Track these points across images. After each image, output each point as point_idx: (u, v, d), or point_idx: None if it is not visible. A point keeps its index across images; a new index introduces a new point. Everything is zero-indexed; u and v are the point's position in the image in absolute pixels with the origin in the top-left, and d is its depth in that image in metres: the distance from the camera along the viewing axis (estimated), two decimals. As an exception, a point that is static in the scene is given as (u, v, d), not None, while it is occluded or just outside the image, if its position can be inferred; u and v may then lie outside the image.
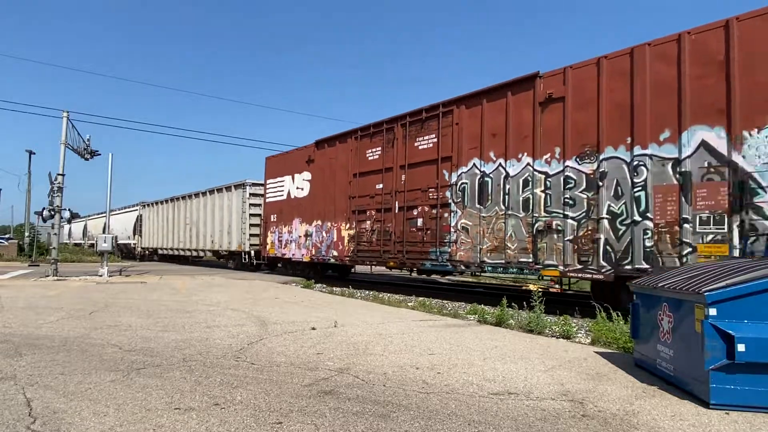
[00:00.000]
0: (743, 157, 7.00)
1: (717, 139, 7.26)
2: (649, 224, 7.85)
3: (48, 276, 15.53)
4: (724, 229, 7.07)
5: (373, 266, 14.54)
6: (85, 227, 44.53)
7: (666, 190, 7.73)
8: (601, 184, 8.47)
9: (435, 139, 11.80)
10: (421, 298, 11.19)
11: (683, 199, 7.52)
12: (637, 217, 7.99)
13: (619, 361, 5.01)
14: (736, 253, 6.93)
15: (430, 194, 11.77)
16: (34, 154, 35.13)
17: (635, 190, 8.04)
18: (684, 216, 7.47)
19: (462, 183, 10.99)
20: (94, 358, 4.85)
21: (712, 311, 3.55)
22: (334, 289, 13.36)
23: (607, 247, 8.30)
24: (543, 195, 9.32)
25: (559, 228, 9.01)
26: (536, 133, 9.53)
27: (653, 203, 7.83)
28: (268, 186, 18.66)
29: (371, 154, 13.75)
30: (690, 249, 7.40)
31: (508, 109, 10.12)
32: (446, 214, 11.29)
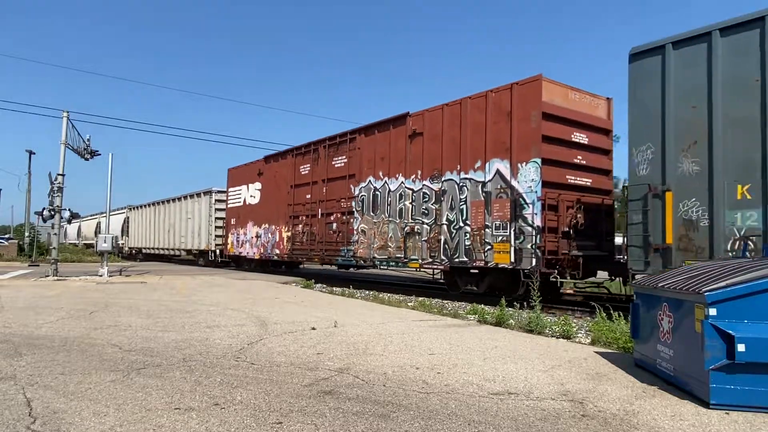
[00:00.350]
0: (518, 182, 10.06)
1: (505, 168, 10.37)
2: (468, 229, 11.02)
3: (48, 276, 15.53)
4: (507, 232, 10.19)
5: (313, 262, 17.49)
6: (79, 228, 46.03)
7: (477, 204, 10.91)
8: (442, 198, 11.71)
9: (345, 160, 14.98)
10: (421, 298, 11.19)
11: (486, 211, 10.67)
12: (461, 224, 11.18)
13: (619, 361, 5.01)
14: (512, 249, 10.08)
15: (342, 203, 14.97)
16: (34, 154, 35.13)
17: (461, 204, 11.21)
18: (486, 223, 10.63)
19: (362, 195, 14.19)
20: (94, 358, 4.85)
21: (712, 311, 3.55)
22: (334, 289, 13.37)
23: (446, 245, 11.53)
24: (410, 206, 12.61)
25: (419, 231, 12.26)
26: (407, 159, 12.84)
27: (470, 214, 11.02)
28: (229, 193, 22.07)
29: (303, 170, 16.89)
30: (489, 247, 10.52)
31: (391, 139, 13.39)
32: (351, 220, 14.49)
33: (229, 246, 22.02)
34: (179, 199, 27.40)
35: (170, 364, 4.62)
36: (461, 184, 11.23)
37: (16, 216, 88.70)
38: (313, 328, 6.72)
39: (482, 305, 9.16)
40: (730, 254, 6.63)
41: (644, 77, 7.83)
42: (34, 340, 5.70)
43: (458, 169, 11.34)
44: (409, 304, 9.96)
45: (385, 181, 13.40)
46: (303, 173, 16.85)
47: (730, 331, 3.46)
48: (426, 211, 12.14)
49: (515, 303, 7.95)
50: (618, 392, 3.97)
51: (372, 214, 13.73)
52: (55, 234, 17.04)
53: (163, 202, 29.52)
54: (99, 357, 4.88)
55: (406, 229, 12.57)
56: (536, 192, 9.66)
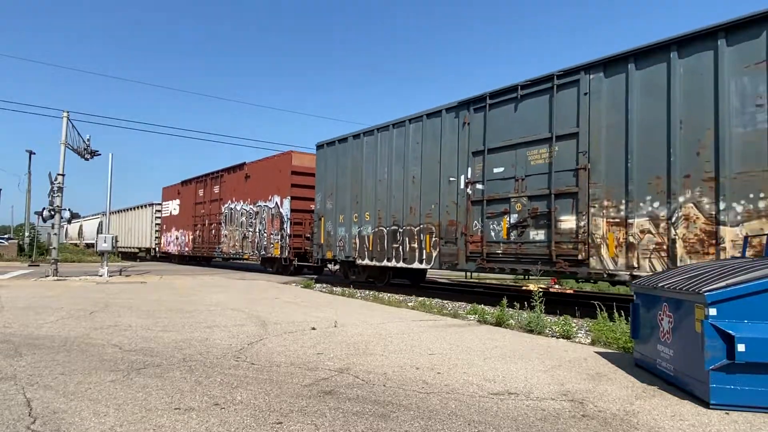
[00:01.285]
0: (283, 208, 18.69)
1: (279, 200, 19.16)
2: (266, 234, 19.46)
3: (48, 276, 15.52)
4: (278, 237, 18.78)
5: (203, 256, 26.52)
6: (81, 228, 49.25)
7: (269, 221, 19.48)
8: (257, 217, 20.27)
9: (218, 189, 23.77)
10: (421, 298, 11.18)
11: (271, 224, 19.22)
12: (264, 232, 19.68)
13: (619, 361, 5.01)
14: (280, 246, 18.36)
15: (216, 217, 23.62)
16: (34, 154, 35.20)
17: (263, 220, 19.76)
18: (272, 232, 19.10)
19: (225, 212, 22.99)
20: (94, 358, 4.85)
21: (712, 311, 3.55)
22: (334, 289, 13.37)
23: (259, 245, 20.12)
24: (245, 220, 21.19)
25: (248, 236, 20.83)
26: (244, 191, 21.55)
27: (267, 226, 19.46)
28: (162, 206, 30.68)
29: (200, 193, 25.61)
30: (272, 245, 19.06)
31: (238, 178, 22.09)
32: (221, 228, 23.23)
33: (162, 245, 30.35)
34: (135, 208, 35.57)
35: (170, 364, 4.62)
36: (264, 208, 19.84)
37: (16, 216, 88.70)
38: (313, 328, 6.72)
39: (482, 305, 9.16)
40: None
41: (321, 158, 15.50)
42: (34, 340, 5.70)
43: (263, 199, 19.97)
44: (409, 304, 9.95)
45: (235, 204, 22.18)
46: (200, 195, 25.57)
47: (730, 331, 3.46)
48: (251, 224, 20.74)
49: (515, 303, 7.94)
50: (618, 392, 3.97)
51: (230, 225, 22.51)
52: (55, 234, 17.03)
53: (126, 210, 37.58)
54: (99, 357, 4.88)
55: (243, 234, 21.29)
56: (288, 214, 18.35)
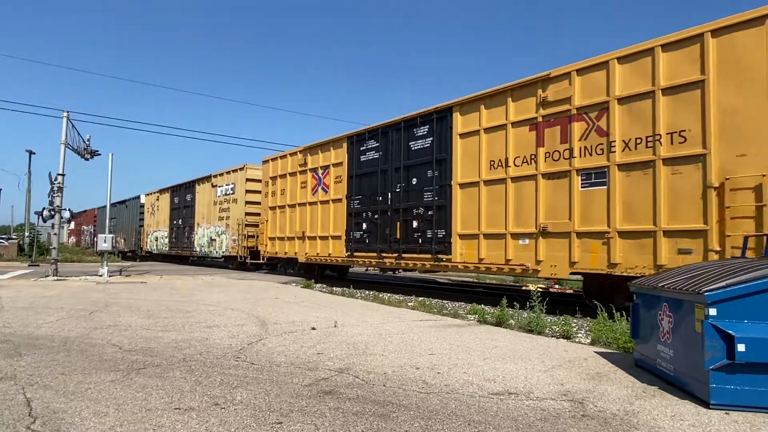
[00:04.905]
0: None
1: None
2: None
3: (48, 276, 15.52)
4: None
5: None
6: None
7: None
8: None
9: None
10: (421, 298, 11.18)
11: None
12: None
13: (619, 361, 5.01)
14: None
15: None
16: (34, 154, 35.20)
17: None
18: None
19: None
20: (94, 358, 4.85)
21: (712, 311, 3.55)
22: (334, 289, 13.37)
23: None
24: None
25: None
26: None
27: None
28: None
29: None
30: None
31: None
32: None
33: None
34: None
35: (170, 364, 4.62)
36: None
37: (16, 216, 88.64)
38: (313, 328, 6.72)
39: (482, 305, 9.16)
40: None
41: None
42: (34, 340, 5.70)
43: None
44: (409, 304, 9.95)
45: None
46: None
47: (730, 331, 3.46)
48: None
49: (515, 303, 7.95)
50: (618, 392, 3.97)
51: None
52: (55, 234, 17.03)
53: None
54: (99, 357, 4.88)
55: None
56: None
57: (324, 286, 14.24)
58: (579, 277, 9.74)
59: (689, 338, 3.82)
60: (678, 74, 7.55)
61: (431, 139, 11.62)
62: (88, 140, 18.20)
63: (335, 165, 14.79)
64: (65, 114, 16.71)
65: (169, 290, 12.02)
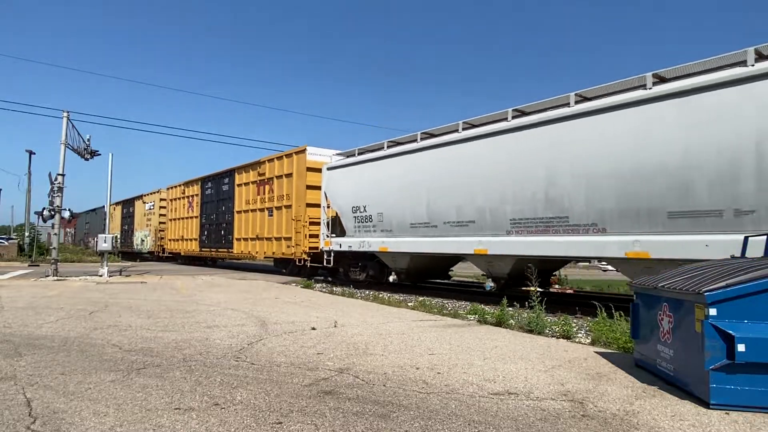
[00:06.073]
0: None
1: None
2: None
3: (48, 276, 15.52)
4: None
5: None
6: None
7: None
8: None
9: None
10: (421, 298, 11.18)
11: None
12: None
13: (619, 361, 5.01)
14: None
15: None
16: (34, 154, 35.25)
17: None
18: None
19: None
20: (94, 358, 4.85)
21: (713, 311, 3.55)
22: (335, 289, 13.37)
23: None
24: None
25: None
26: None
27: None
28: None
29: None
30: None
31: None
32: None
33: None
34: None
35: (170, 364, 4.62)
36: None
37: (16, 216, 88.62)
38: (313, 328, 6.72)
39: (482, 305, 9.16)
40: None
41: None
42: (34, 340, 5.70)
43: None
44: (409, 304, 9.95)
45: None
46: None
47: (731, 331, 3.46)
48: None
49: (515, 303, 7.95)
50: (618, 392, 3.97)
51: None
52: (55, 234, 17.03)
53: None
54: (99, 357, 4.88)
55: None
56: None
57: (324, 286, 14.24)
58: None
59: (689, 338, 3.82)
60: (280, 170, 18.39)
61: (228, 186, 22.30)
62: (88, 140, 18.20)
63: (195, 195, 25.46)
64: (65, 114, 16.71)
65: (169, 290, 12.02)
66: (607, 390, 4.02)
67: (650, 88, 7.60)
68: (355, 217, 13.52)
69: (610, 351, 5.56)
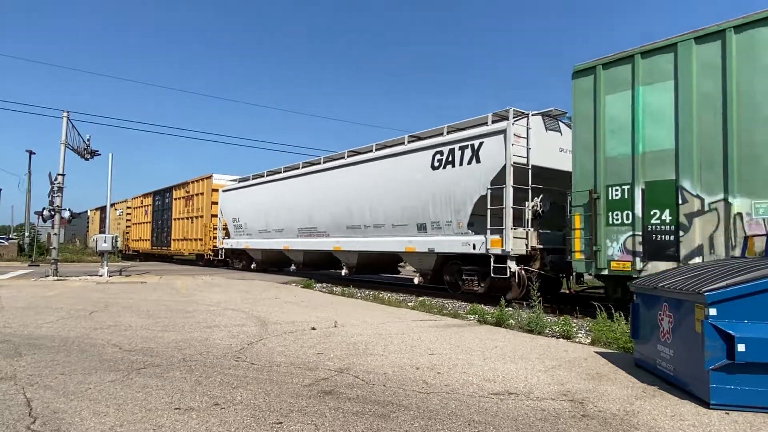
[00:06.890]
0: None
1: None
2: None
3: (48, 276, 15.52)
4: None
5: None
6: None
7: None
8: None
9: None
10: (421, 298, 11.18)
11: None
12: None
13: (620, 361, 5.01)
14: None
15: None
16: (34, 154, 35.27)
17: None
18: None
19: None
20: (94, 358, 4.85)
21: (712, 311, 3.55)
22: (335, 289, 13.37)
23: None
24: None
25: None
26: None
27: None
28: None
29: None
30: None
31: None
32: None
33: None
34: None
35: (170, 364, 4.62)
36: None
37: (16, 216, 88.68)
38: (313, 328, 6.72)
39: (482, 305, 9.16)
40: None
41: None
42: (34, 340, 5.70)
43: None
44: (409, 304, 9.95)
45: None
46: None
47: (731, 331, 3.46)
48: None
49: (515, 303, 7.96)
50: (618, 392, 3.97)
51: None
52: (55, 234, 17.03)
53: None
54: (99, 357, 4.88)
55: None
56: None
57: (324, 286, 14.24)
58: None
59: (689, 338, 3.82)
60: (198, 190, 24.48)
61: (168, 199, 27.61)
62: (88, 140, 18.19)
63: (149, 205, 30.71)
64: (65, 114, 16.71)
65: (169, 290, 12.02)
66: (607, 390, 4.02)
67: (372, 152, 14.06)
68: (235, 225, 20.77)
69: (610, 351, 5.56)
